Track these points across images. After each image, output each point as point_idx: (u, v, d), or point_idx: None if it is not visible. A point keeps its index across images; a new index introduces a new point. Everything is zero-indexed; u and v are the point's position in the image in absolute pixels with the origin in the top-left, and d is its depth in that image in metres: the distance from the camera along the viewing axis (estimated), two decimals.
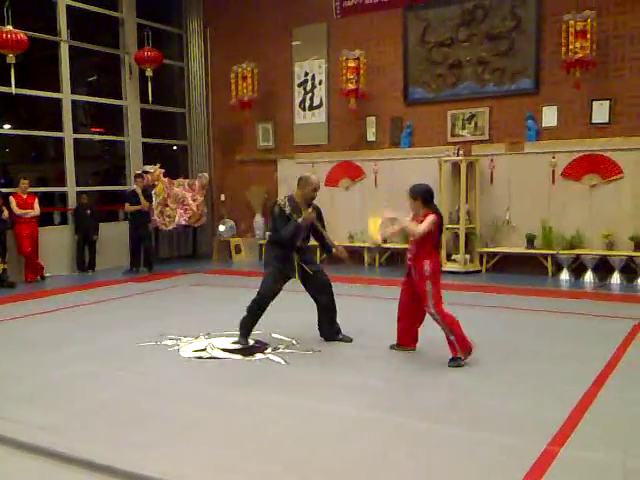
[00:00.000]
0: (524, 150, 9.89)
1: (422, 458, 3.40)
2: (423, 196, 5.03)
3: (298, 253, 5.65)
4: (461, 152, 10.02)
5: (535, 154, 9.78)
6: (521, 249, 9.82)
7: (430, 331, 5.30)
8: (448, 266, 10.05)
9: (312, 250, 5.91)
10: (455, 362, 4.96)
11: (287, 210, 5.53)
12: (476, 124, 10.30)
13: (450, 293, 8.33)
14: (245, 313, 5.68)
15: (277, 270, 5.60)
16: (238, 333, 5.72)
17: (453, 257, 10.16)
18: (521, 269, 9.78)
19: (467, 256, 10.03)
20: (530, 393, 4.37)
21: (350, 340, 5.81)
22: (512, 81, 10.00)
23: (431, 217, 4.95)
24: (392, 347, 5.48)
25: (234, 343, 5.69)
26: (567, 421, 3.81)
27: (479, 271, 10.03)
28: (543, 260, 9.64)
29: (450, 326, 4.96)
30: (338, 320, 5.86)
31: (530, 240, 9.71)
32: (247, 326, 5.68)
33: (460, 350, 4.95)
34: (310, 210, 5.52)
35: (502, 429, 3.73)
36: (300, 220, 5.44)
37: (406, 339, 5.41)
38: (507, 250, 9.94)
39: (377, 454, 3.46)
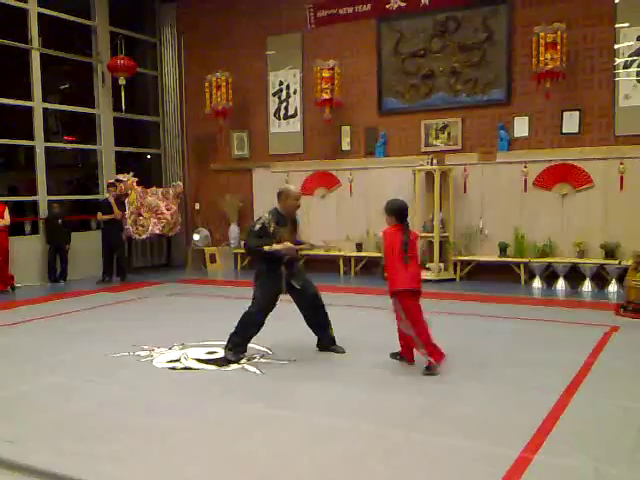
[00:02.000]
0: (496, 160, 10.02)
1: (397, 466, 3.40)
2: (396, 213, 5.15)
3: (286, 267, 5.53)
4: (435, 161, 10.10)
5: (507, 164, 9.91)
6: (494, 257, 9.92)
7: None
8: (423, 274, 10.10)
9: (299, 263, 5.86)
10: (429, 371, 4.99)
11: (271, 228, 5.38)
12: (449, 134, 10.41)
13: (424, 301, 8.42)
14: (234, 328, 5.51)
15: (269, 288, 5.48)
16: (225, 347, 5.54)
17: (427, 265, 10.21)
18: (494, 277, 9.88)
19: (441, 264, 10.10)
20: (503, 400, 4.40)
21: (343, 351, 5.71)
22: (484, 91, 10.13)
23: (381, 234, 5.19)
24: (393, 356, 5.38)
25: (225, 358, 5.48)
26: (540, 428, 3.84)
27: (453, 279, 10.11)
28: (516, 268, 9.74)
29: (425, 340, 5.00)
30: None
31: (503, 249, 9.82)
32: (234, 341, 5.50)
33: (432, 360, 4.98)
34: (290, 245, 5.40)
35: (476, 436, 3.75)
36: (280, 248, 5.33)
37: (408, 352, 5.34)
38: (481, 258, 10.04)
39: (352, 463, 3.45)
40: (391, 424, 3.98)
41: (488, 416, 4.09)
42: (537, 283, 9.46)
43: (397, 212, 5.15)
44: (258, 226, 5.42)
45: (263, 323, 5.51)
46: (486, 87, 10.10)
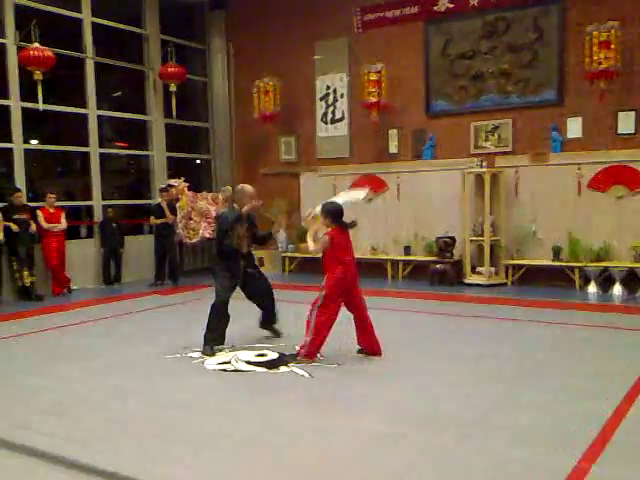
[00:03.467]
0: (549, 161, 9.81)
1: (450, 474, 3.36)
2: (332, 215, 5.48)
3: (244, 260, 6.17)
4: (485, 164, 9.96)
5: (560, 165, 9.69)
6: (547, 261, 9.70)
7: (454, 346, 5.26)
8: (473, 278, 10.00)
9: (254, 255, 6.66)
10: (295, 359, 5.47)
11: (229, 224, 5.96)
12: (499, 136, 10.25)
13: (475, 306, 8.34)
14: (206, 328, 5.99)
15: (227, 279, 6.01)
16: (203, 345, 5.99)
17: (478, 269, 10.08)
18: (548, 282, 9.66)
19: (492, 268, 9.94)
20: (559, 409, 4.30)
21: (280, 335, 6.41)
22: (535, 92, 9.94)
23: (325, 237, 5.44)
24: (359, 351, 5.75)
25: (204, 354, 5.90)
26: (598, 437, 3.74)
27: (505, 284, 9.93)
28: (570, 272, 9.51)
29: (316, 332, 5.36)
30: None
31: (556, 252, 9.59)
32: (209, 337, 5.99)
33: (306, 354, 5.42)
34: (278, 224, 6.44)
35: (531, 445, 3.67)
36: (273, 230, 6.37)
37: (367, 347, 5.72)
38: (533, 262, 9.83)
39: (403, 470, 3.42)
40: (444, 432, 3.93)
41: (543, 425, 4.00)
42: (592, 288, 9.21)
43: (335, 214, 5.46)
44: (220, 221, 6.08)
45: (224, 316, 6.02)
46: (537, 88, 9.90)
